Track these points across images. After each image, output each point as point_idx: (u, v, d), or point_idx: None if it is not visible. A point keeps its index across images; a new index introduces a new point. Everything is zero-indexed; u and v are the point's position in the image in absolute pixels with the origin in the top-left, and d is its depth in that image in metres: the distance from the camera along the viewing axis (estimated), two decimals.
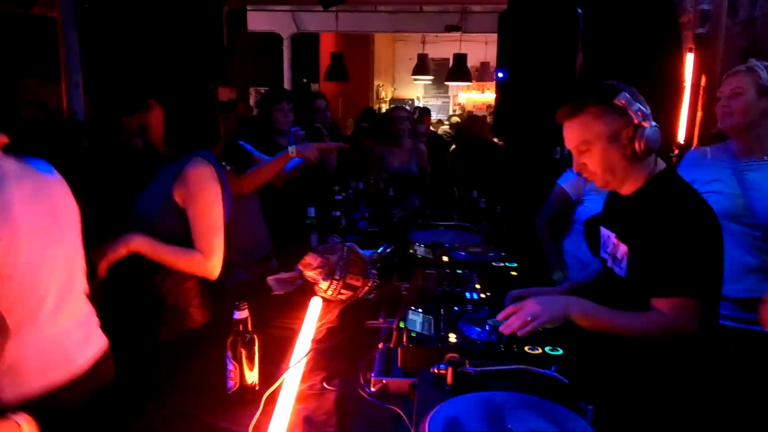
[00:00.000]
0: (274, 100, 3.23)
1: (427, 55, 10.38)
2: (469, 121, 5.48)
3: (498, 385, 1.26)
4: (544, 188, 2.82)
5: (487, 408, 1.16)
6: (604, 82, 1.53)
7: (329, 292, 1.99)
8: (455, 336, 1.51)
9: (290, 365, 1.51)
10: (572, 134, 1.53)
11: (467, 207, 3.37)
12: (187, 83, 1.97)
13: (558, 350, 1.42)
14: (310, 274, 2.01)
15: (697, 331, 1.38)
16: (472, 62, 9.94)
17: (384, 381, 1.42)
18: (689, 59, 3.49)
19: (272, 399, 1.34)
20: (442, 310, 1.68)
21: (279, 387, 1.38)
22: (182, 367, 1.62)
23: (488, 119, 5.99)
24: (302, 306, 1.94)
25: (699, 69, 3.40)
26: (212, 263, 1.87)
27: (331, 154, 3.19)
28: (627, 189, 1.56)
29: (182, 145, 1.92)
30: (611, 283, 1.62)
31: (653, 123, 1.46)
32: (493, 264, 2.22)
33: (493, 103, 3.83)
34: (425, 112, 8.09)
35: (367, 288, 2.02)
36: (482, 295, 1.85)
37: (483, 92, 12.65)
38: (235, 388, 1.42)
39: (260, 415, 1.29)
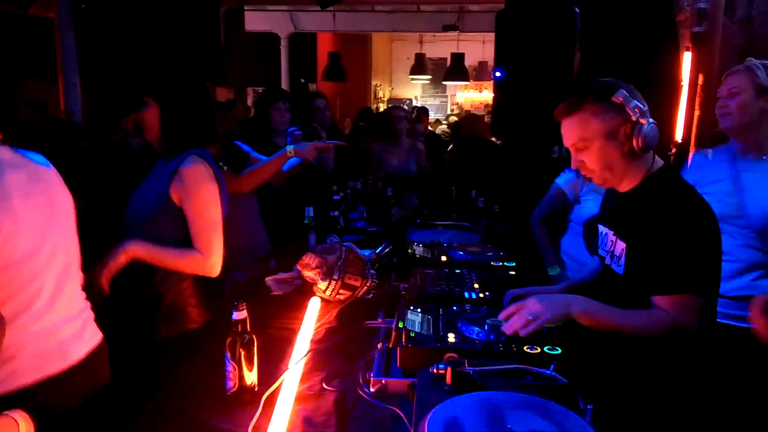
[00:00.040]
0: (271, 100, 3.22)
1: (424, 54, 10.38)
2: (467, 120, 5.47)
3: (497, 384, 1.26)
4: (542, 187, 2.82)
5: (487, 408, 1.16)
6: (601, 79, 1.53)
7: (328, 293, 1.99)
8: (454, 336, 1.50)
9: (289, 366, 1.50)
10: (570, 131, 1.53)
11: (465, 206, 3.38)
12: (183, 81, 1.96)
13: (557, 349, 1.42)
14: (308, 274, 2.01)
15: (697, 328, 1.38)
16: (469, 62, 9.96)
17: (383, 381, 1.42)
18: (686, 58, 3.49)
19: (271, 399, 1.34)
20: (440, 309, 1.67)
21: (278, 387, 1.38)
22: (181, 366, 1.62)
23: (486, 119, 5.99)
24: (301, 306, 1.94)
25: (696, 67, 3.40)
26: (212, 261, 1.86)
27: (328, 153, 3.19)
28: (625, 186, 1.56)
29: (178, 143, 1.92)
30: (609, 281, 1.62)
31: (651, 120, 1.46)
32: (492, 263, 2.22)
33: (491, 102, 3.83)
34: (423, 111, 8.07)
35: (365, 288, 2.02)
36: (481, 295, 1.85)
37: (481, 92, 12.64)
38: (234, 389, 1.42)
39: (259, 415, 1.29)
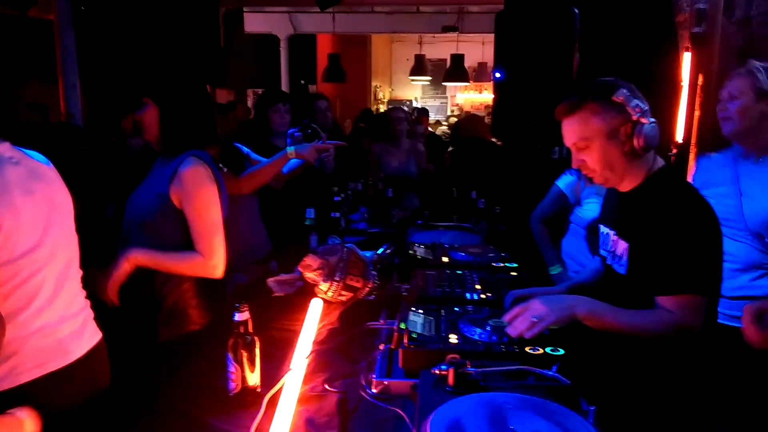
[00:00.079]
0: (271, 102, 3.22)
1: (424, 55, 10.39)
2: (467, 121, 5.47)
3: (499, 385, 1.26)
4: (542, 188, 2.82)
5: (489, 409, 1.16)
6: (602, 78, 1.53)
7: (329, 294, 1.99)
8: (456, 337, 1.50)
9: (291, 367, 1.50)
10: (571, 131, 1.53)
11: (466, 207, 3.37)
12: (182, 82, 1.97)
13: (559, 350, 1.42)
14: (310, 275, 2.01)
15: (702, 327, 1.38)
16: (469, 63, 9.96)
17: (385, 382, 1.42)
18: (686, 58, 3.49)
19: (273, 401, 1.34)
20: (442, 310, 1.68)
21: (280, 389, 1.38)
22: (182, 368, 1.62)
23: (486, 120, 5.99)
24: (303, 307, 1.93)
25: (696, 68, 3.40)
26: (213, 263, 1.86)
27: (328, 153, 3.19)
28: (626, 186, 1.56)
29: (177, 144, 1.92)
30: (611, 281, 1.62)
31: (652, 119, 1.46)
32: (493, 264, 2.22)
33: (491, 103, 3.84)
34: (423, 112, 8.09)
35: (367, 289, 2.02)
36: (483, 296, 1.85)
37: (481, 92, 12.65)
38: (236, 390, 1.42)
39: (262, 417, 1.29)
